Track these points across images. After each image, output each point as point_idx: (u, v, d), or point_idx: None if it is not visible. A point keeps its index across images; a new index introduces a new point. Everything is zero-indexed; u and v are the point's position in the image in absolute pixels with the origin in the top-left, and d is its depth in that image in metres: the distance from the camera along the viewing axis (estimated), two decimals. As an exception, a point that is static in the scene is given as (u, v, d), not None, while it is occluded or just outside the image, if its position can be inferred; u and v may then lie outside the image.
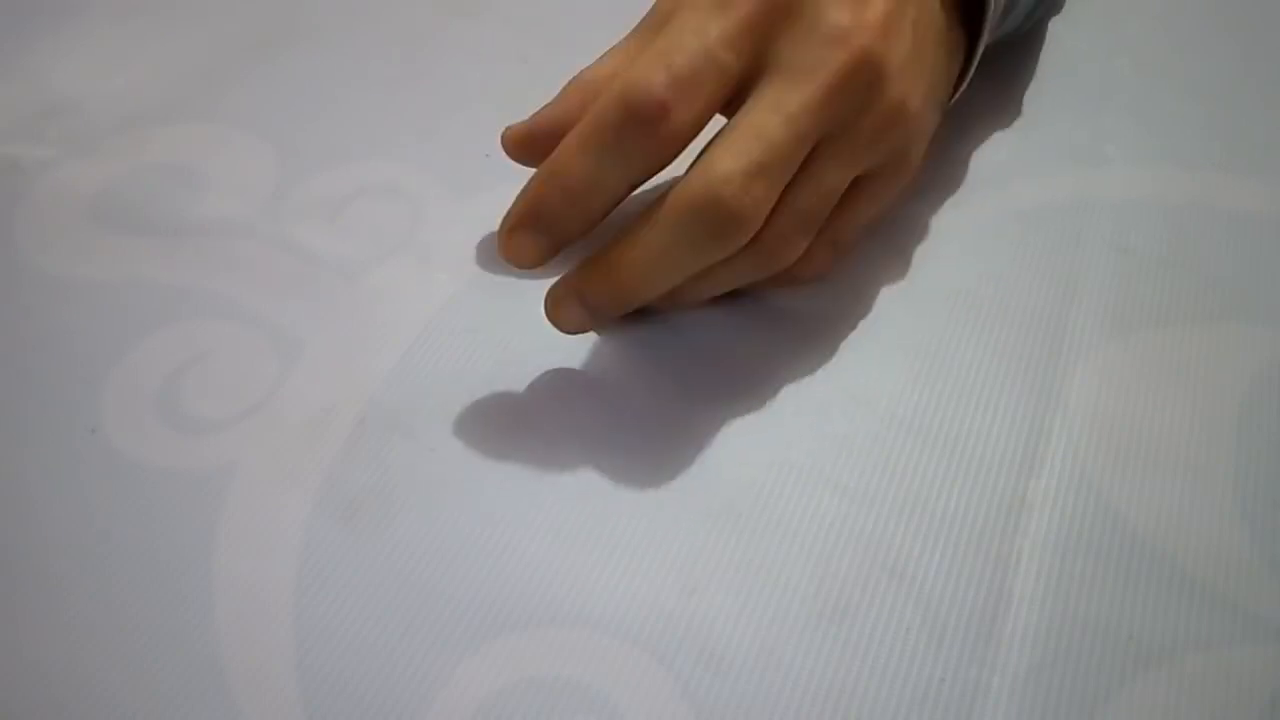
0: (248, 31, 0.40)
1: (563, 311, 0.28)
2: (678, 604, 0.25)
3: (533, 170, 0.27)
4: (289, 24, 0.41)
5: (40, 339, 0.30)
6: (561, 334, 0.28)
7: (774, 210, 0.26)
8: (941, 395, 0.28)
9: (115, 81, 0.38)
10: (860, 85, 0.26)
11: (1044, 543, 0.26)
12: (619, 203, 0.27)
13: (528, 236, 0.27)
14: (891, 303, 0.31)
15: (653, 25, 0.29)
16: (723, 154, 0.25)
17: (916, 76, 0.27)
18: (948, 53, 0.30)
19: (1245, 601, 0.24)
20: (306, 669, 0.24)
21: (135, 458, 0.27)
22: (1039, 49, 0.39)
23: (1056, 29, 0.39)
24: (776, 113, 0.25)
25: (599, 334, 0.30)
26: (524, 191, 0.27)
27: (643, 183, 0.27)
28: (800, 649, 0.24)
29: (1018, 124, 0.36)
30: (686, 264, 0.27)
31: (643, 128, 0.25)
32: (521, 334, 0.30)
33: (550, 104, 0.30)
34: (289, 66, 0.39)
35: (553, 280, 0.28)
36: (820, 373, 0.29)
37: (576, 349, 0.30)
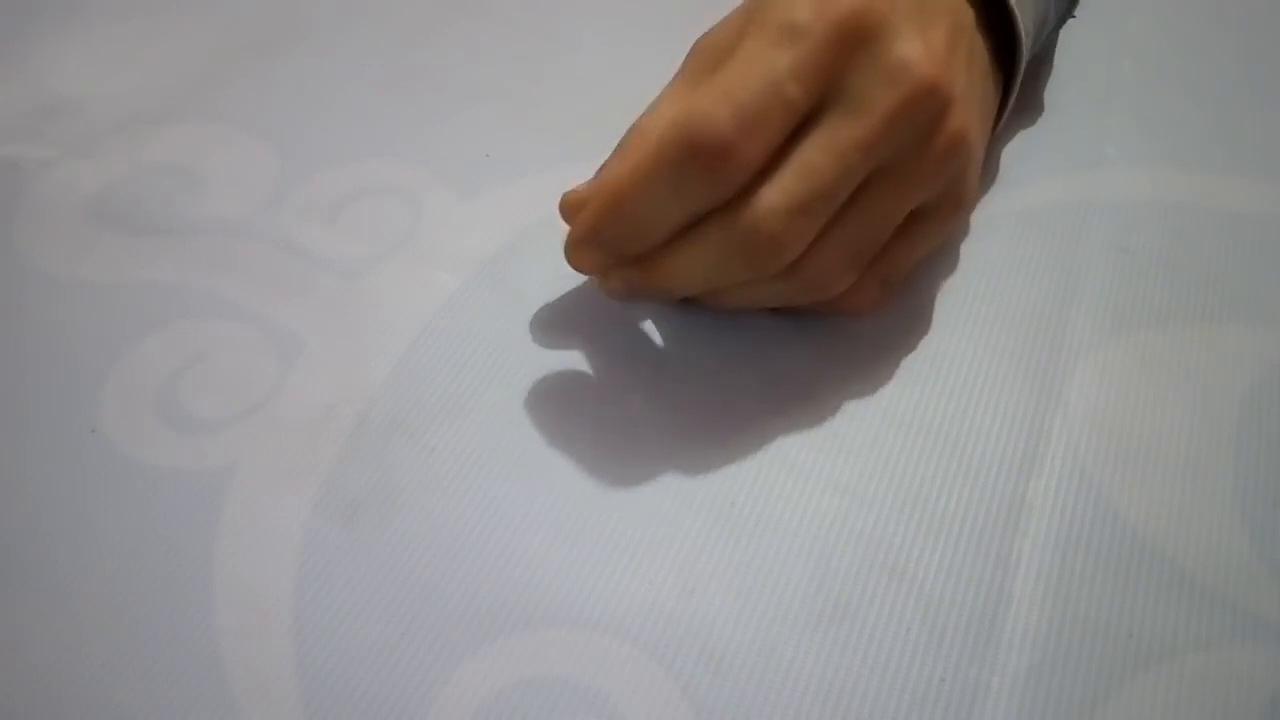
0: (248, 31, 0.40)
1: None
2: (678, 604, 0.25)
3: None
4: (289, 24, 0.41)
5: (40, 339, 0.30)
6: (562, 334, 0.28)
7: (820, 239, 0.26)
8: (941, 395, 0.28)
9: (115, 81, 0.38)
10: (922, 116, 0.25)
11: (1044, 543, 0.26)
12: (678, 229, 0.27)
13: (591, 251, 0.28)
14: (890, 302, 0.31)
15: (708, 58, 0.27)
16: (770, 189, 0.25)
17: (973, 107, 0.27)
18: (993, 84, 0.30)
19: (1245, 601, 0.24)
20: (306, 669, 0.24)
21: (135, 458, 0.27)
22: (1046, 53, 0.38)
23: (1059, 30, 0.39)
24: (830, 150, 0.25)
25: (599, 333, 0.30)
26: (587, 209, 0.27)
27: (703, 211, 0.26)
28: (800, 649, 0.24)
29: (1019, 125, 0.36)
30: (717, 281, 0.27)
31: (707, 166, 0.24)
32: (521, 334, 0.30)
33: (612, 159, 0.28)
34: (289, 66, 0.39)
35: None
36: (821, 372, 0.29)
37: (577, 350, 0.30)
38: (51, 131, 0.36)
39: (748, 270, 0.26)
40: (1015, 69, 0.30)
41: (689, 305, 0.30)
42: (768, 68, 0.25)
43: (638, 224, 0.26)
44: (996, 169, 0.34)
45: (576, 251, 0.28)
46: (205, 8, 0.41)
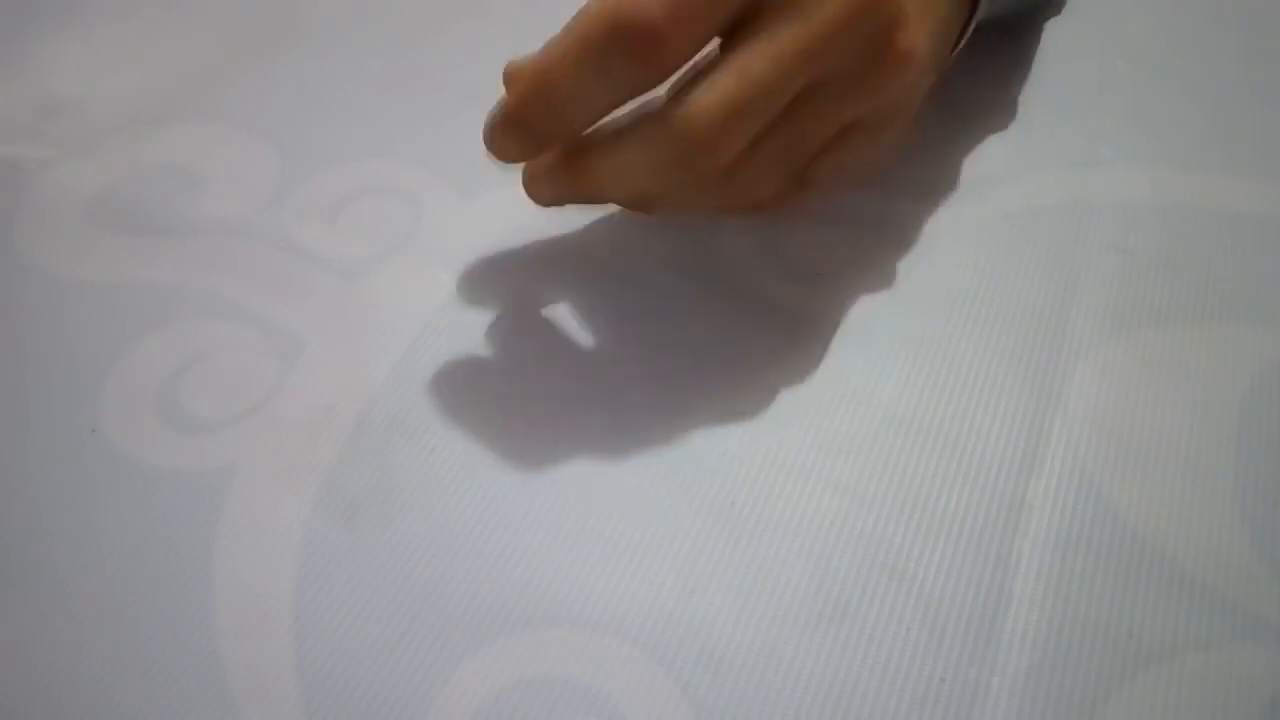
0: (248, 31, 0.40)
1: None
2: (678, 604, 0.25)
3: None
4: (289, 24, 0.41)
5: (40, 339, 0.30)
6: (560, 335, 0.28)
7: (752, 146, 0.25)
8: (941, 395, 0.28)
9: (115, 81, 0.38)
10: (869, 28, 0.24)
11: (1044, 543, 0.26)
12: (603, 115, 0.26)
13: (511, 138, 0.26)
14: (892, 302, 0.31)
15: None
16: (705, 88, 0.24)
17: (925, 24, 0.26)
18: (954, 6, 0.29)
19: (1245, 601, 0.24)
20: (306, 669, 0.24)
21: (135, 458, 0.27)
22: (1036, 50, 0.39)
23: (1054, 30, 0.39)
24: (769, 54, 0.24)
25: (598, 333, 0.30)
26: (509, 93, 0.26)
27: (630, 99, 0.25)
28: (800, 649, 0.24)
29: (1016, 125, 0.36)
30: (646, 185, 0.26)
31: (633, 54, 0.23)
32: (521, 334, 0.30)
33: (558, 37, 0.27)
34: (289, 66, 0.39)
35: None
36: (821, 372, 0.29)
37: (577, 351, 0.30)
38: (51, 131, 0.36)
39: (678, 172, 0.25)
40: None
41: (692, 304, 0.30)
42: None
43: (560, 106, 0.25)
44: (996, 169, 0.34)
45: (500, 136, 0.26)
46: (205, 8, 0.41)
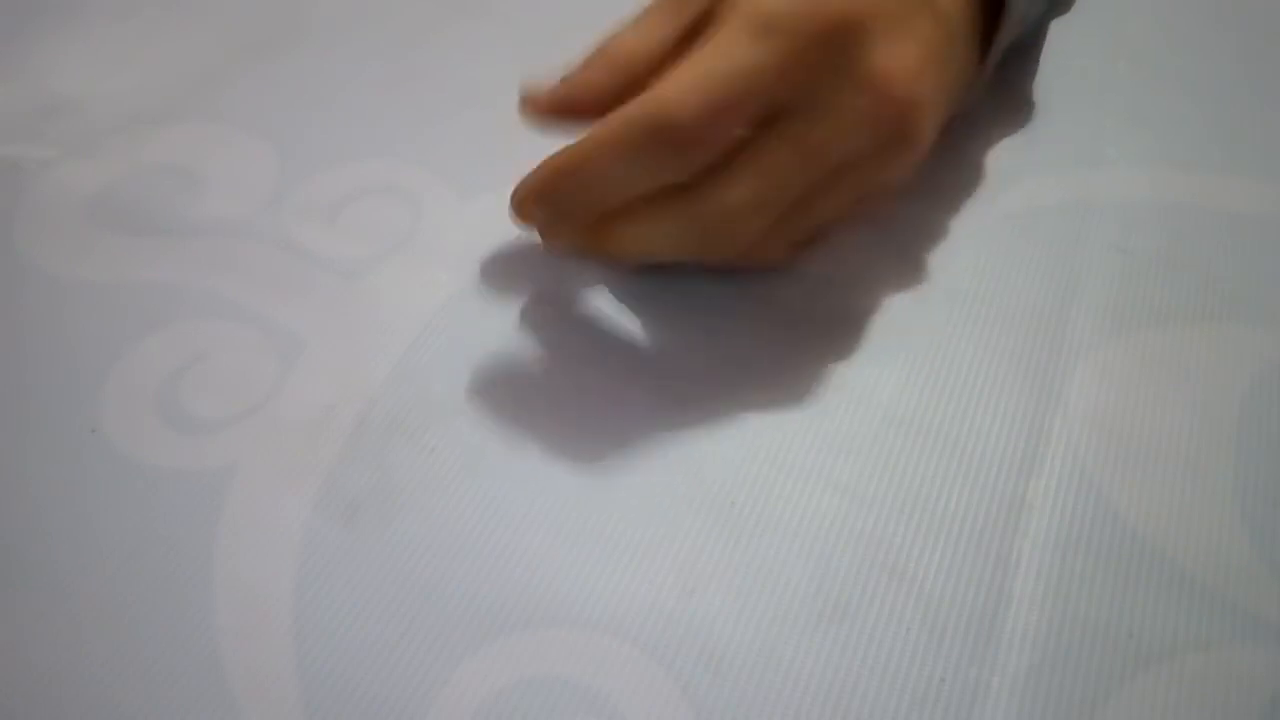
0: (248, 31, 0.40)
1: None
2: (678, 604, 0.25)
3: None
4: (289, 24, 0.41)
5: (40, 339, 0.30)
6: (560, 334, 0.28)
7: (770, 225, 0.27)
8: (942, 395, 0.28)
9: (115, 81, 0.38)
10: (889, 130, 0.26)
11: (1044, 543, 0.26)
12: (631, 197, 0.27)
13: (540, 210, 0.28)
14: (892, 302, 0.31)
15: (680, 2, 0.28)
16: (737, 188, 0.26)
17: (939, 110, 0.28)
18: (967, 59, 0.30)
19: (1245, 601, 0.24)
20: (306, 669, 0.24)
21: (135, 458, 0.27)
22: (1039, 51, 0.39)
23: (1056, 30, 0.39)
24: (794, 151, 0.26)
25: (600, 334, 0.30)
26: (544, 168, 0.27)
27: (659, 185, 0.27)
28: (800, 649, 0.24)
29: (1018, 125, 0.36)
30: (666, 255, 0.28)
31: (671, 150, 0.25)
32: (521, 334, 0.30)
33: (577, 73, 0.29)
34: (289, 66, 0.39)
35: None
36: (821, 372, 0.29)
37: (577, 350, 0.30)
38: (51, 131, 0.36)
39: (701, 251, 0.28)
40: (996, 35, 0.30)
41: (692, 303, 0.30)
42: (744, 62, 0.25)
43: (593, 189, 0.27)
44: (996, 169, 0.34)
45: (524, 206, 0.28)
46: (205, 8, 0.41)
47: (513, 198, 0.28)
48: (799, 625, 0.24)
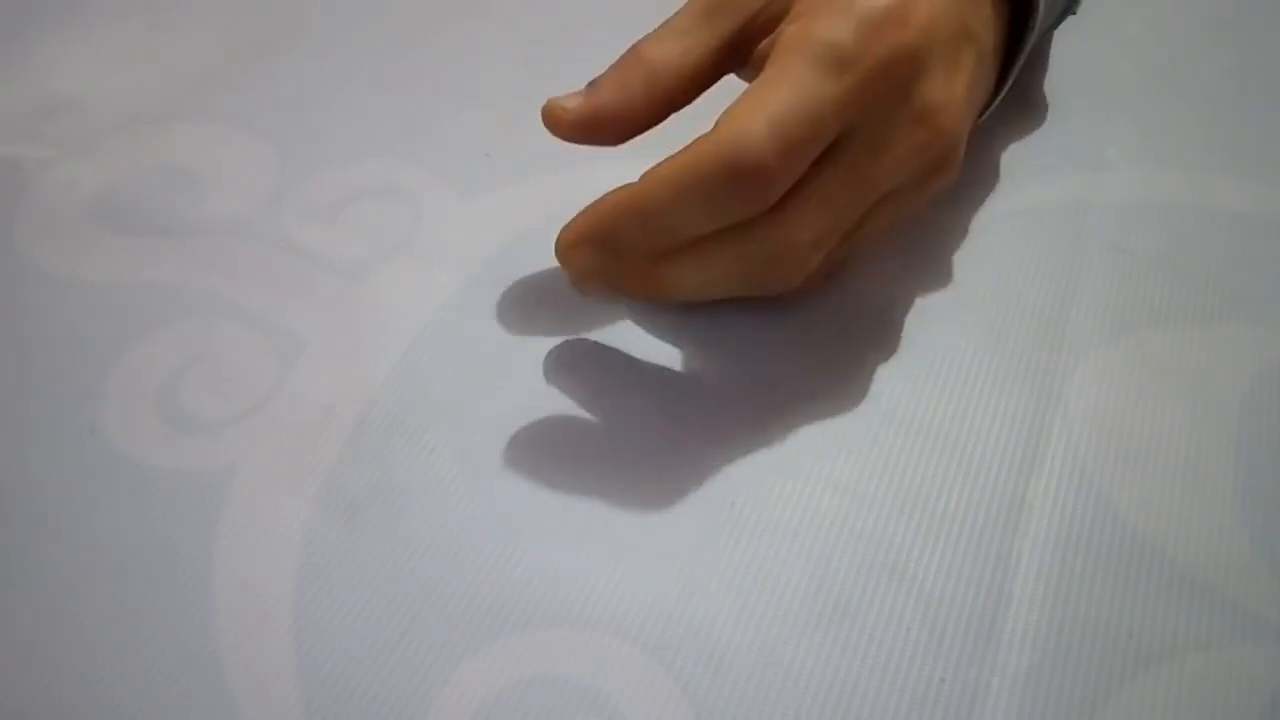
0: (248, 31, 0.40)
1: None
2: (678, 605, 0.25)
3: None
4: (289, 24, 0.41)
5: (40, 339, 0.30)
6: (561, 334, 0.28)
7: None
8: (941, 395, 0.28)
9: (115, 81, 0.38)
10: (933, 159, 0.26)
11: (1044, 543, 0.26)
12: (695, 237, 0.26)
13: (591, 253, 0.27)
14: (891, 302, 0.31)
15: (713, 8, 0.27)
16: (799, 225, 0.26)
17: (971, 124, 0.28)
18: (988, 78, 0.30)
19: (1245, 601, 0.24)
20: (306, 669, 0.24)
21: (135, 458, 0.27)
22: (1043, 54, 0.39)
23: (1058, 32, 0.39)
24: (851, 184, 0.26)
25: (599, 334, 0.30)
26: (599, 210, 0.26)
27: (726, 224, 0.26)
28: (800, 649, 0.24)
29: (1019, 125, 0.36)
30: (720, 294, 0.28)
31: (744, 189, 0.24)
32: (521, 334, 0.30)
33: (608, 83, 0.27)
34: (289, 66, 0.39)
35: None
36: (820, 372, 0.29)
37: (576, 350, 0.30)
38: (51, 131, 0.36)
39: (762, 290, 0.27)
40: (1015, 59, 0.31)
41: (690, 303, 0.30)
42: (813, 97, 0.24)
43: (658, 230, 0.26)
44: (997, 169, 0.34)
45: (574, 250, 0.27)
46: (205, 8, 0.41)
47: (560, 242, 0.27)
48: (799, 625, 0.24)
